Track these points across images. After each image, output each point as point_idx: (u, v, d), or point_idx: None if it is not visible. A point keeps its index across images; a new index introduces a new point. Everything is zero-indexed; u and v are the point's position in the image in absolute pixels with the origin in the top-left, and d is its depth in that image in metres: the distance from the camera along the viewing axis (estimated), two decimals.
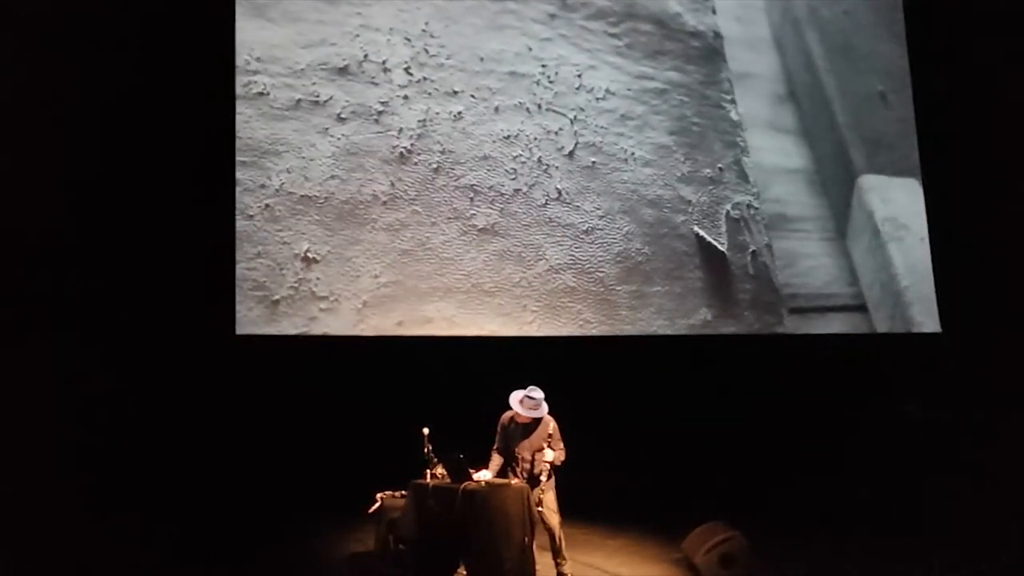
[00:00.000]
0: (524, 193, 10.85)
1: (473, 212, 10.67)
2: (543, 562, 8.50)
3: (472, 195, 10.69)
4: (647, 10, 11.70)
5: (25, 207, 9.42)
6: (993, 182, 10.86)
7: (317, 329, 10.00)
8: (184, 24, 10.26)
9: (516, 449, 8.58)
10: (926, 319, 11.50)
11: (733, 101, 11.88)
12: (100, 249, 9.86)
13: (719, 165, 11.61)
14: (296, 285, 10.01)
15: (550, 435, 8.40)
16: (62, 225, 9.67)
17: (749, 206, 11.68)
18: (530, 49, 11.09)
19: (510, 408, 8.63)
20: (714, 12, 12.03)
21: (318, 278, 10.07)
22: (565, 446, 8.51)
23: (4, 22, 9.43)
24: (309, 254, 10.07)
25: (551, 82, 11.11)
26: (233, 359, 10.12)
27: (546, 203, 10.89)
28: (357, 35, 10.50)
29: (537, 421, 8.52)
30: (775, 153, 12.12)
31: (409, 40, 10.67)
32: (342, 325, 10.10)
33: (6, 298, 9.23)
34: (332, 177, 10.24)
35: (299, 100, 10.23)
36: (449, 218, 10.58)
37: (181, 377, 10.11)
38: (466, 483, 8.20)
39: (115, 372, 9.80)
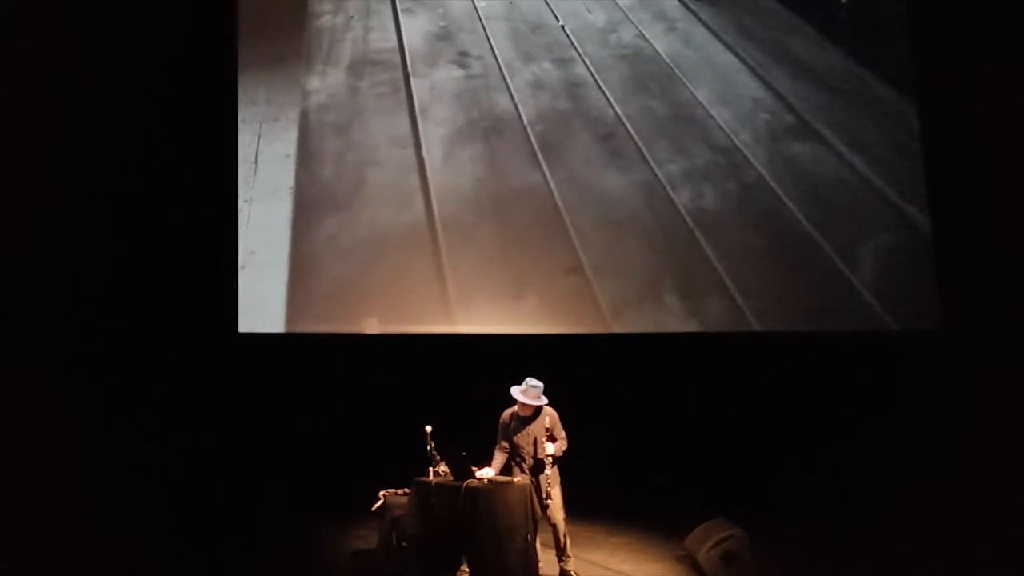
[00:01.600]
0: None
1: None
2: (546, 559, 9.00)
3: None
4: None
5: (28, 207, 9.95)
6: (995, 176, 11.33)
7: None
8: (186, 29, 11.08)
9: (518, 442, 9.13)
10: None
11: None
12: (101, 248, 10.36)
13: None
14: None
15: (548, 427, 8.95)
16: (64, 225, 10.15)
17: None
18: None
19: (511, 405, 9.21)
20: None
21: None
22: (566, 434, 9.11)
23: None
24: None
25: None
26: (235, 357, 10.70)
27: None
28: None
29: (537, 413, 9.10)
30: None
31: None
32: None
33: (7, 297, 9.68)
34: None
35: None
36: None
37: (183, 375, 10.58)
38: (469, 481, 8.72)
39: (116, 370, 10.24)
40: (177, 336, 10.69)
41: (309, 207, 11.38)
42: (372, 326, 10.96)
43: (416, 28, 12.36)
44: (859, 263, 11.63)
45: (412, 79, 12.07)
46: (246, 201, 11.25)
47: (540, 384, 9.14)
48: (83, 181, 10.42)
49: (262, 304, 10.93)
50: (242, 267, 10.97)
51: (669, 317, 11.29)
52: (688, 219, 11.64)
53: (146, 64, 10.92)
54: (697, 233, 11.62)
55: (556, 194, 11.64)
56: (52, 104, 10.28)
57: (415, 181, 11.61)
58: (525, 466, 9.18)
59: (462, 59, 12.18)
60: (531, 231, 11.55)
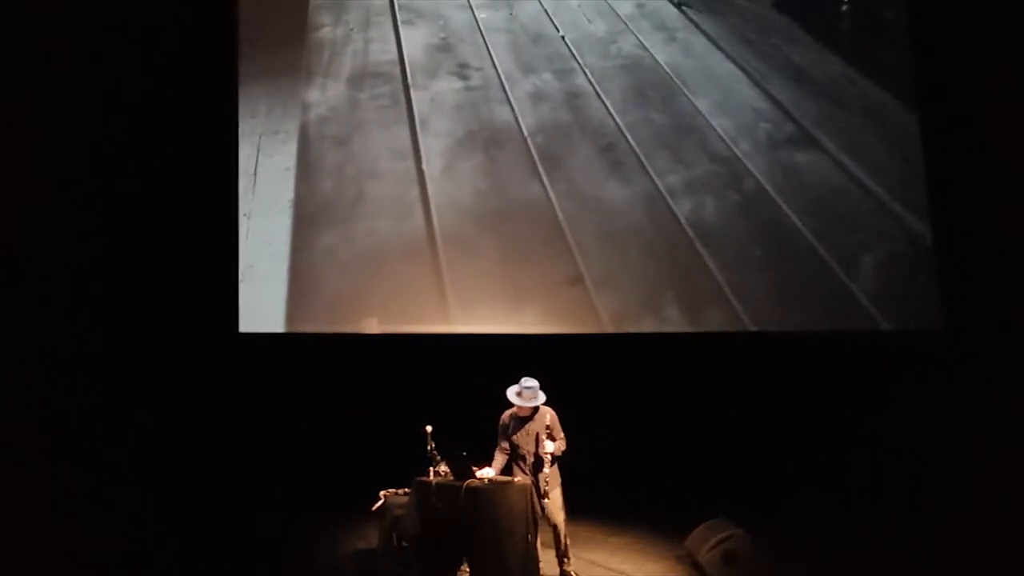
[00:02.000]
0: None
1: None
2: (547, 559, 9.06)
3: None
4: None
5: (31, 208, 10.13)
6: (995, 181, 11.45)
7: None
8: (186, 41, 11.31)
9: (518, 442, 9.21)
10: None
11: None
12: (102, 252, 10.57)
13: None
14: None
15: (548, 425, 9.01)
16: (66, 231, 10.36)
17: None
18: None
19: (511, 406, 9.28)
20: None
21: None
22: (565, 435, 9.16)
23: None
24: None
25: None
26: (236, 357, 10.86)
27: None
28: None
29: (535, 412, 9.19)
30: None
31: None
32: None
33: (8, 298, 9.85)
34: None
35: None
36: None
37: (184, 375, 10.72)
38: (469, 481, 8.81)
39: (116, 370, 10.42)
40: (178, 336, 10.82)
41: (308, 220, 11.52)
42: (372, 326, 11.11)
43: (416, 40, 12.51)
44: (860, 271, 11.77)
45: (412, 91, 12.21)
46: (245, 215, 11.39)
47: (535, 383, 9.22)
48: (83, 188, 10.59)
49: (261, 314, 11.13)
50: (241, 281, 11.13)
51: (670, 327, 11.42)
52: (689, 229, 11.79)
53: (146, 75, 11.09)
54: (698, 243, 11.75)
55: (556, 205, 11.78)
56: (53, 114, 10.43)
57: (415, 193, 11.75)
58: (525, 465, 9.25)
59: (462, 71, 12.33)
60: (531, 242, 11.69)
